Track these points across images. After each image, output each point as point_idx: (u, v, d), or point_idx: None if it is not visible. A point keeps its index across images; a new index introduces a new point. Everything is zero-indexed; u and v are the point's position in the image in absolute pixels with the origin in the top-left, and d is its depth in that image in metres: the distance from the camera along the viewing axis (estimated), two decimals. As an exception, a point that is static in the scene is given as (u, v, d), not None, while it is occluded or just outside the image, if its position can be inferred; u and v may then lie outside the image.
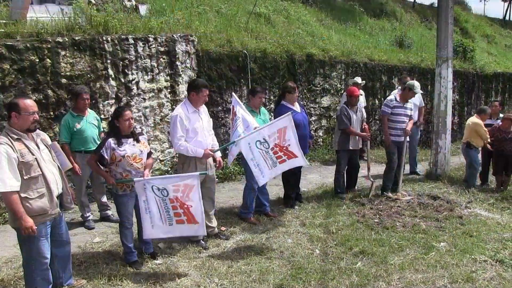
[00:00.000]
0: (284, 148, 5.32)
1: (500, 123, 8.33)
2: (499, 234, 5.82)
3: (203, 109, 5.37)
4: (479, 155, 8.60)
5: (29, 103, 3.74)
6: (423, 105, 9.36)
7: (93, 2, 7.91)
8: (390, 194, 7.24)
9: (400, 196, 7.15)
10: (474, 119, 8.49)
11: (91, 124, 5.93)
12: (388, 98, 7.78)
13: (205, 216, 4.80)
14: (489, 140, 8.27)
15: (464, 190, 7.86)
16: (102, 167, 4.74)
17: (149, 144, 7.47)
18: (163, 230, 4.70)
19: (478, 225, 6.12)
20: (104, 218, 6.35)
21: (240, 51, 9.02)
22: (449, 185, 8.15)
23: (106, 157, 4.59)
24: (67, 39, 6.54)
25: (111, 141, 4.60)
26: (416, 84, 7.36)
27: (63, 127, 5.74)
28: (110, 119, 4.83)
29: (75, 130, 5.75)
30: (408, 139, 7.55)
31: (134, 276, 4.58)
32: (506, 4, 33.43)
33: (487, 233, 5.84)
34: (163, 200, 4.57)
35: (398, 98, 7.41)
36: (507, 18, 32.86)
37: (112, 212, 6.25)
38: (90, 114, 6.03)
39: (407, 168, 9.27)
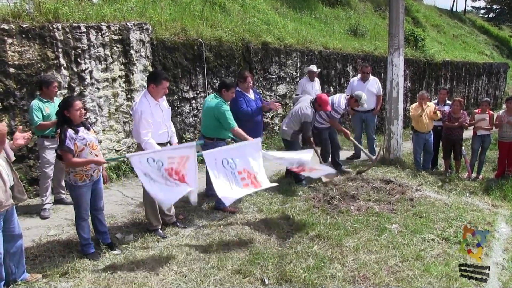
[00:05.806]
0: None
1: (450, 109, 8.70)
2: (446, 214, 6.13)
3: (163, 99, 5.31)
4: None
5: None
6: (381, 93, 9.50)
7: (42, -12, 7.62)
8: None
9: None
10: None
11: None
12: (341, 106, 7.82)
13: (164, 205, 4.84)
14: (420, 113, 8.62)
15: (415, 174, 8.17)
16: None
17: (104, 134, 7.39)
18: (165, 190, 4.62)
19: (427, 207, 6.40)
20: (58, 201, 6.41)
21: (195, 39, 8.95)
22: (401, 169, 8.40)
23: (72, 148, 4.45)
24: (13, 26, 6.28)
25: (71, 131, 4.47)
26: (364, 97, 7.80)
27: (34, 110, 5.81)
28: (58, 109, 4.64)
29: (44, 114, 5.85)
30: None
31: (92, 268, 4.53)
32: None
33: (435, 213, 6.13)
34: (159, 170, 4.58)
35: (345, 106, 7.86)
36: (454, 9, 34.24)
37: (65, 195, 6.42)
38: (57, 102, 6.07)
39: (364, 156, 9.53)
